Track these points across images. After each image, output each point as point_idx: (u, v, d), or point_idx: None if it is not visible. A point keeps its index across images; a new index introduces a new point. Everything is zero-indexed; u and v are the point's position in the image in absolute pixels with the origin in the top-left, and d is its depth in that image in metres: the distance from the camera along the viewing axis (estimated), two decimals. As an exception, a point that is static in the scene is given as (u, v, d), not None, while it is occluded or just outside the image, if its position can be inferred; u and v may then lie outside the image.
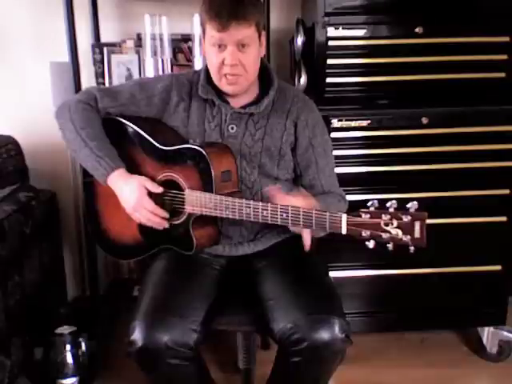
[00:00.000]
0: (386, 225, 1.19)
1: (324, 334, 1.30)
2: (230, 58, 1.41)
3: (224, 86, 1.48)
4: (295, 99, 1.56)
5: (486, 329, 2.15)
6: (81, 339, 1.98)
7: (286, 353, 1.37)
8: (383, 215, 1.20)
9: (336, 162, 1.65)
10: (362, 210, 1.22)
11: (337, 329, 1.31)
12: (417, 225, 1.17)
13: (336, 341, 1.31)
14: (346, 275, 2.04)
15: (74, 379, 1.94)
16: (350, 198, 1.62)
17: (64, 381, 1.93)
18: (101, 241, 1.70)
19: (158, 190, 1.48)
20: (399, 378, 2.04)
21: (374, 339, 2.21)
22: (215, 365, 2.06)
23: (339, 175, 1.64)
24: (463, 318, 2.14)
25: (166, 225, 1.49)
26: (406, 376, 2.04)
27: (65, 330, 1.96)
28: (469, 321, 2.16)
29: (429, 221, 1.17)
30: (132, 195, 1.46)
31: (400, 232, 1.18)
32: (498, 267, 2.05)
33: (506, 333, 2.11)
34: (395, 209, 1.19)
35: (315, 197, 1.45)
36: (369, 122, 1.91)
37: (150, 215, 1.46)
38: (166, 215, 1.48)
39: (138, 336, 1.32)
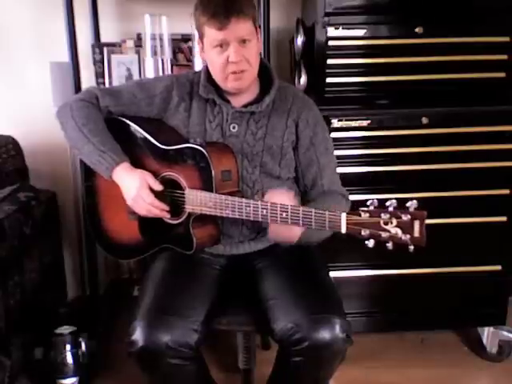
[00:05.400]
0: (386, 224, 1.19)
1: (325, 334, 1.30)
2: (235, 54, 1.41)
3: (230, 84, 1.47)
4: (295, 98, 1.57)
5: (486, 329, 2.15)
6: (81, 339, 1.98)
7: (287, 353, 1.37)
8: (382, 214, 1.19)
9: (336, 162, 1.65)
10: (362, 208, 1.22)
11: (338, 328, 1.31)
12: (416, 224, 1.17)
13: (337, 341, 1.31)
14: (345, 275, 2.04)
15: (73, 379, 1.94)
16: (350, 197, 1.61)
17: (64, 381, 1.93)
18: (101, 241, 1.70)
19: (159, 187, 1.47)
20: (399, 378, 2.04)
21: (373, 339, 2.21)
22: (215, 365, 2.05)
23: (339, 175, 1.63)
24: (463, 317, 2.14)
25: (168, 215, 1.48)
26: (406, 376, 2.04)
27: (65, 329, 1.96)
28: (469, 321, 2.16)
29: (429, 221, 1.17)
30: (133, 187, 1.46)
31: (399, 231, 1.18)
32: (498, 267, 2.05)
33: (505, 333, 2.11)
34: (395, 208, 1.19)
35: (314, 201, 1.46)
36: (369, 122, 1.91)
37: (150, 207, 1.46)
38: (166, 207, 1.48)
39: (138, 336, 1.32)
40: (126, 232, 1.60)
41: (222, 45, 1.41)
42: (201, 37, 1.47)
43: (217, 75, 1.48)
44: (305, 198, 1.59)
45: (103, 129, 1.52)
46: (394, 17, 1.89)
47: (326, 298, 1.42)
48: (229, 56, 1.41)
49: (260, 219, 1.37)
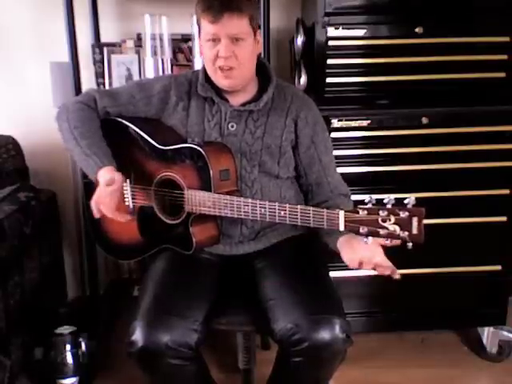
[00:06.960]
0: (384, 221, 1.19)
1: (325, 334, 1.30)
2: (224, 49, 1.41)
3: (219, 80, 1.48)
4: (294, 97, 1.56)
5: (486, 329, 2.15)
6: (81, 339, 1.98)
7: (287, 353, 1.37)
8: (381, 211, 1.19)
9: (336, 162, 1.65)
10: (360, 206, 1.22)
11: (337, 329, 1.31)
12: (414, 221, 1.17)
13: (337, 341, 1.31)
14: (346, 275, 2.03)
15: (73, 379, 1.94)
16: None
17: (64, 381, 1.93)
18: (101, 241, 1.71)
19: (115, 186, 1.42)
20: (399, 377, 2.04)
21: (373, 339, 2.20)
22: (215, 365, 2.06)
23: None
24: (463, 318, 2.14)
25: (129, 217, 1.49)
26: (406, 376, 2.04)
27: (65, 329, 1.96)
28: (469, 321, 2.16)
29: (429, 221, 1.17)
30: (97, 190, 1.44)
31: (398, 228, 1.18)
32: (498, 267, 2.05)
33: (506, 333, 2.11)
34: (393, 205, 1.19)
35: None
36: (369, 122, 1.91)
37: (97, 201, 1.43)
38: (114, 207, 1.44)
39: (138, 336, 1.32)
40: (126, 232, 1.60)
41: (215, 39, 1.42)
42: (199, 29, 1.49)
43: (208, 69, 1.49)
44: (310, 198, 1.59)
45: (95, 132, 1.52)
46: (394, 17, 1.89)
47: (325, 298, 1.42)
48: (219, 51, 1.42)
49: (258, 218, 1.37)
